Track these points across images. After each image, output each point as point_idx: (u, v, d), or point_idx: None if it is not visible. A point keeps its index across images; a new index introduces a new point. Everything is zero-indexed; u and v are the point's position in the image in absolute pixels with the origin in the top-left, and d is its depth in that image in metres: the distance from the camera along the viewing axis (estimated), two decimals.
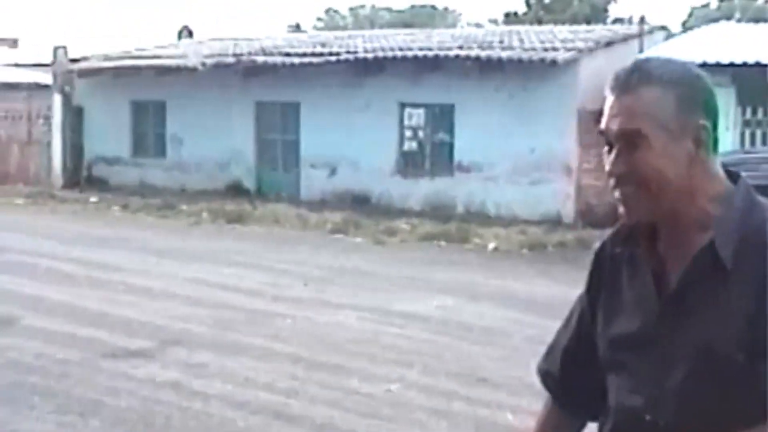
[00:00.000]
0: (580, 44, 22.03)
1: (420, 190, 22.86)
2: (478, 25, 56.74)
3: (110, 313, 11.90)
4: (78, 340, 10.48)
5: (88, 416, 7.93)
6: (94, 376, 9.13)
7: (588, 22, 37.40)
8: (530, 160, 21.41)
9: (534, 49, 22.04)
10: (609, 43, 22.39)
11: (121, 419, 7.91)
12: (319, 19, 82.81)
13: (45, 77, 28.57)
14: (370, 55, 23.45)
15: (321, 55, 24.28)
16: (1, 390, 8.64)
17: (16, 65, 33.99)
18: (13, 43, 40.82)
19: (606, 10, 54.21)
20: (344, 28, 67.28)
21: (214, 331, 11.05)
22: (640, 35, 21.98)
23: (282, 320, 11.72)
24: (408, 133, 23.54)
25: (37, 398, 8.37)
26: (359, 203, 22.93)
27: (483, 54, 22.06)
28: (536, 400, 2.91)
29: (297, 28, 69.26)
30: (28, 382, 8.85)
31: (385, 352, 10.24)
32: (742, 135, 20.37)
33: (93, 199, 24.94)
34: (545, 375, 2.64)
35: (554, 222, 20.57)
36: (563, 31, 25.47)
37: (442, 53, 22.64)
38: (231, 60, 25.45)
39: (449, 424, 7.97)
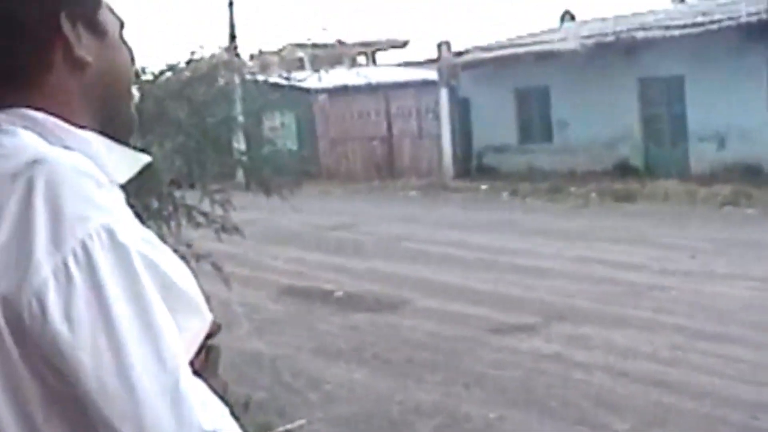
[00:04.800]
0: None
1: None
2: None
3: (498, 292, 12.23)
4: (466, 318, 10.87)
5: (473, 387, 8.26)
6: (480, 350, 9.47)
7: None
8: None
9: None
10: None
11: (504, 389, 8.19)
12: None
13: (431, 74, 29.59)
14: (754, 19, 22.63)
15: (702, 24, 23.68)
16: (394, 365, 9.14)
17: (406, 64, 35.51)
18: (403, 44, 42.66)
19: None
20: None
21: (599, 306, 11.14)
22: None
23: (667, 293, 11.64)
24: None
25: (426, 372, 8.80)
26: (751, 174, 22.16)
27: None
28: None
29: None
30: (418, 358, 9.32)
31: None
32: None
33: (483, 186, 25.55)
34: None
35: None
36: None
37: None
38: (611, 39, 25.28)
39: None
